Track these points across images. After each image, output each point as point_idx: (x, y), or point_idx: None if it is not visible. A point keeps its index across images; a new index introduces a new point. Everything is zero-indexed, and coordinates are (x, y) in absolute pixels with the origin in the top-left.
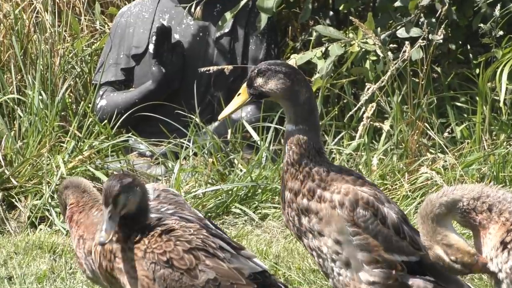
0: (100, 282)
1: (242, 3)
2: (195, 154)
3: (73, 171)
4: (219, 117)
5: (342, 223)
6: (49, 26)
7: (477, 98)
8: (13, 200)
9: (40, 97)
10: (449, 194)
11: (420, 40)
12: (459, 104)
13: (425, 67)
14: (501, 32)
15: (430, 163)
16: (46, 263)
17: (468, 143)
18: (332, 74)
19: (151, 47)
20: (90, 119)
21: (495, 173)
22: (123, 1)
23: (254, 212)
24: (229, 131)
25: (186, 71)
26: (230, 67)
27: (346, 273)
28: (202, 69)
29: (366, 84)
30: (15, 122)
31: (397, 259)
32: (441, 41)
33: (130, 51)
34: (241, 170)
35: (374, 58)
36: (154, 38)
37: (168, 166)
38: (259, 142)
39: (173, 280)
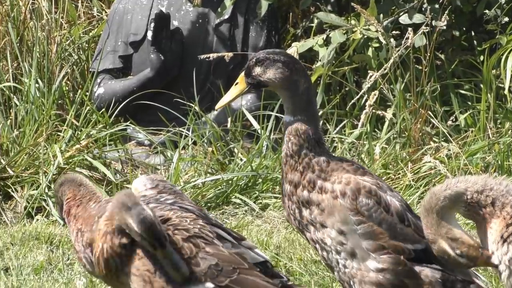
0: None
1: None
2: (194, 143)
3: (70, 160)
4: (216, 107)
5: (345, 212)
6: (45, 13)
7: (482, 86)
8: (9, 190)
9: (37, 85)
10: (452, 187)
11: (423, 27)
12: (463, 91)
13: (429, 54)
14: (506, 19)
15: (433, 152)
16: (43, 254)
17: (472, 132)
18: (333, 62)
19: (149, 34)
20: (88, 108)
21: (499, 162)
22: None
23: (254, 202)
24: (229, 119)
25: (185, 59)
26: (230, 54)
27: (352, 264)
28: (202, 57)
29: (369, 71)
30: (11, 110)
31: (405, 246)
32: (444, 27)
33: (128, 38)
34: (241, 160)
35: (377, 45)
36: (152, 24)
37: (167, 156)
38: (259, 131)
39: None
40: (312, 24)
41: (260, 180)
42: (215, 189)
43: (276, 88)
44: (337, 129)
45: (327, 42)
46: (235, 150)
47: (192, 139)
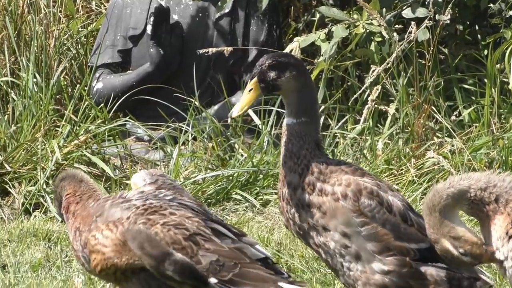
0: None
1: None
2: (194, 138)
3: (68, 156)
4: (234, 115)
5: (348, 214)
6: (43, 7)
7: (486, 80)
8: (7, 186)
9: (35, 80)
10: (456, 184)
11: (426, 21)
12: (466, 86)
13: (432, 49)
14: (510, 12)
15: (437, 147)
16: (41, 251)
17: (476, 127)
18: (336, 56)
19: (149, 28)
20: (86, 103)
21: (504, 158)
22: None
23: (255, 198)
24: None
25: (185, 53)
26: (230, 48)
27: (356, 267)
28: (202, 51)
29: (371, 66)
30: (8, 105)
31: (409, 247)
32: (448, 21)
33: (127, 32)
34: (242, 155)
35: (379, 39)
36: (152, 18)
37: (166, 151)
38: (260, 126)
39: None
40: (314, 18)
41: (261, 176)
42: (215, 185)
43: (287, 91)
44: (339, 124)
45: (329, 37)
46: (236, 145)
47: (192, 134)
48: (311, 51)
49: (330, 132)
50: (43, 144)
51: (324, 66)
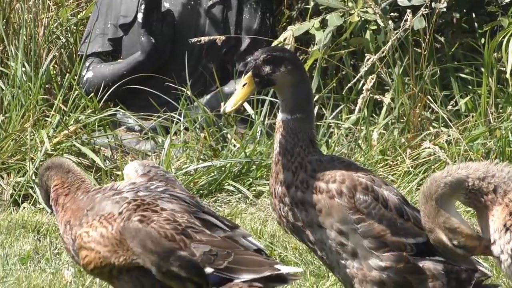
0: None
1: None
2: (186, 128)
3: (58, 146)
4: (227, 110)
5: (344, 211)
6: None
7: (482, 69)
8: None
9: (24, 69)
10: (454, 173)
11: (422, 9)
12: (463, 75)
13: (428, 37)
14: (507, 0)
15: (433, 137)
16: (30, 243)
17: (473, 117)
18: (330, 45)
19: (139, 16)
20: (76, 92)
21: (501, 148)
22: None
23: (248, 190)
24: (222, 104)
25: (176, 42)
26: (223, 37)
27: (353, 264)
28: (194, 40)
29: (366, 55)
30: None
31: (405, 241)
32: (444, 9)
33: (117, 20)
34: (234, 146)
35: (374, 27)
36: (143, 6)
37: (158, 141)
38: (253, 116)
39: None
40: (308, 6)
41: (254, 166)
42: (207, 176)
43: (283, 86)
44: (334, 114)
45: (323, 25)
46: (228, 135)
47: (184, 124)
48: (305, 39)
49: (324, 122)
50: (32, 134)
51: (318, 55)
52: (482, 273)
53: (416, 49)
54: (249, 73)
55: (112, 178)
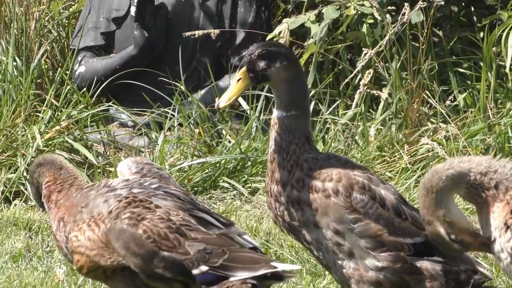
0: None
1: None
2: (180, 124)
3: (49, 142)
4: (220, 106)
5: (340, 211)
6: None
7: (481, 64)
8: None
9: (15, 63)
10: (456, 166)
11: (420, 2)
12: (462, 70)
13: (426, 31)
14: None
15: (431, 133)
16: (22, 240)
17: (471, 112)
18: (326, 39)
19: (132, 10)
20: (68, 87)
21: (500, 144)
22: None
23: (243, 186)
24: (216, 99)
25: (170, 36)
26: (217, 31)
27: (349, 264)
28: (187, 34)
29: (363, 49)
30: None
31: (403, 241)
32: (442, 2)
33: (110, 14)
34: (229, 142)
35: (371, 21)
36: (135, 0)
37: (151, 137)
38: (248, 112)
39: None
40: None
41: (249, 163)
42: (202, 172)
43: (278, 81)
44: (330, 109)
45: (319, 18)
46: (223, 131)
47: (178, 120)
48: (301, 33)
49: (321, 118)
50: (23, 130)
51: (314, 49)
52: (483, 275)
53: (414, 43)
54: (244, 68)
55: (105, 174)
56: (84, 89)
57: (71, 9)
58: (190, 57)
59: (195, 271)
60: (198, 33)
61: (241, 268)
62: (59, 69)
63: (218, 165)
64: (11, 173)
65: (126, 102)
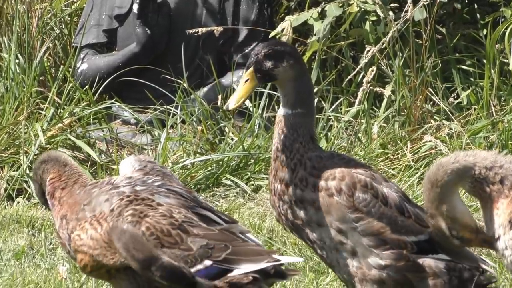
0: None
1: None
2: (183, 121)
3: (52, 140)
4: (230, 107)
5: (343, 210)
6: None
7: (484, 61)
8: None
9: (17, 60)
10: (461, 160)
11: None
12: (465, 67)
13: (429, 28)
14: None
15: (434, 131)
16: (25, 238)
17: (475, 109)
18: (329, 36)
19: (135, 7)
20: (71, 84)
21: (504, 142)
22: None
23: (246, 184)
24: (219, 97)
25: (173, 33)
26: (220, 28)
27: (352, 263)
28: (190, 31)
29: (366, 46)
30: None
31: (406, 239)
32: (445, 0)
33: (112, 11)
34: (232, 139)
35: (374, 18)
36: None
37: (154, 135)
38: (251, 109)
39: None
40: None
41: (252, 160)
42: (205, 170)
43: (284, 80)
44: (333, 107)
45: (322, 16)
46: (226, 129)
47: (180, 117)
48: (304, 30)
49: (324, 115)
50: (26, 127)
51: (317, 46)
52: (488, 277)
53: (417, 41)
54: (251, 69)
55: (108, 172)
56: (87, 86)
57: (73, 7)
58: (193, 55)
59: (199, 266)
60: (201, 30)
61: (245, 261)
62: (62, 66)
63: (221, 162)
64: (14, 170)
65: (128, 100)
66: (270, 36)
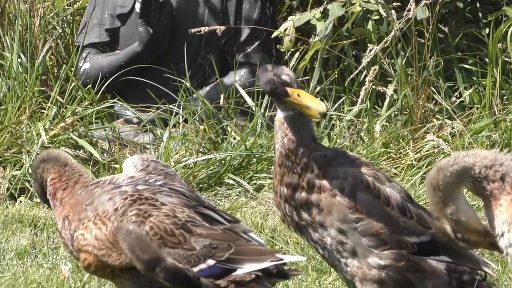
0: None
1: None
2: (185, 121)
3: (54, 139)
4: (325, 109)
5: (344, 210)
6: None
7: (487, 60)
8: None
9: (19, 60)
10: (460, 161)
11: None
12: (467, 66)
13: (431, 27)
14: None
15: (436, 130)
16: (27, 237)
17: (477, 108)
18: (331, 36)
19: (137, 6)
20: (73, 84)
21: (506, 141)
22: None
23: (248, 183)
24: (222, 96)
25: (175, 32)
26: (223, 27)
27: (353, 263)
28: (193, 30)
29: (368, 45)
30: None
31: (408, 240)
32: None
33: (115, 10)
34: (234, 138)
35: (377, 17)
36: None
37: (156, 134)
38: (253, 108)
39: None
40: None
41: (254, 159)
42: (207, 169)
43: None
44: (336, 106)
45: (324, 15)
46: (228, 128)
47: (183, 116)
48: (306, 30)
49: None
50: (28, 126)
51: (319, 45)
52: (489, 284)
53: (419, 40)
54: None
55: (110, 171)
56: (89, 85)
57: (75, 6)
58: (195, 54)
59: (202, 266)
60: (203, 29)
61: (248, 260)
62: (64, 65)
63: (223, 161)
64: (16, 170)
65: (131, 99)
66: (272, 36)
